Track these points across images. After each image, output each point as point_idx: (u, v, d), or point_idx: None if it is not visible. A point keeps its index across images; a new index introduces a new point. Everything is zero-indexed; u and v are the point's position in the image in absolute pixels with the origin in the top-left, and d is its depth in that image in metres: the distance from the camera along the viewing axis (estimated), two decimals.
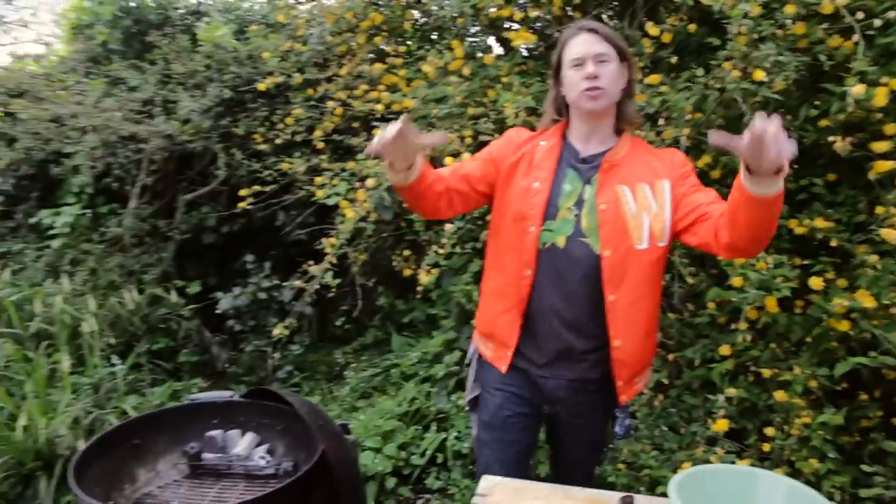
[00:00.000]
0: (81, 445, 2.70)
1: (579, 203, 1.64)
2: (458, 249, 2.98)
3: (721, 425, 2.14)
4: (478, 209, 2.28)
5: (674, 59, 2.52)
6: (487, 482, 1.70)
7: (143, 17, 3.87)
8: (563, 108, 1.74)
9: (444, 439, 3.02)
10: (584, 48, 1.61)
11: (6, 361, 3.07)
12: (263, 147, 3.45)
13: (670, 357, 2.64)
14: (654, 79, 2.40)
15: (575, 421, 1.80)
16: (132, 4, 3.91)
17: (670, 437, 2.68)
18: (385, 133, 1.38)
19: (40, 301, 3.24)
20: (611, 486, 2.64)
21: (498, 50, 3.28)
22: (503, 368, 1.76)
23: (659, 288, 1.70)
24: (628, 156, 1.66)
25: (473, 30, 3.33)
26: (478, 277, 2.89)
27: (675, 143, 2.32)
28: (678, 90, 2.38)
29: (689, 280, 2.46)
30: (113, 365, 3.18)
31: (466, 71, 2.79)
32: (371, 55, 3.29)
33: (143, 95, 3.53)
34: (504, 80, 2.79)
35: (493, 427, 1.82)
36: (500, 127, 2.69)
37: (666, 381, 2.56)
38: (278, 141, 3.24)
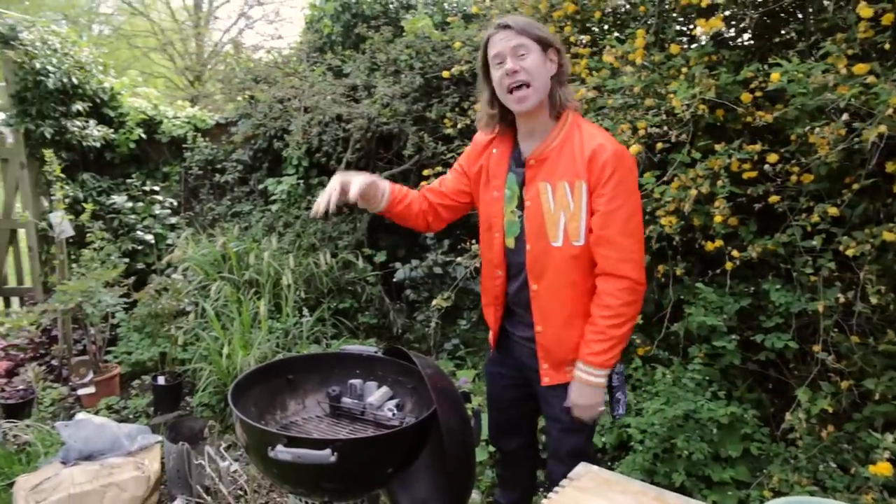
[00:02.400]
0: None
1: (521, 205, 1.80)
2: None
3: (882, 469, 1.88)
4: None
5: (887, 45, 2.20)
6: (581, 468, 1.70)
7: (360, 11, 4.31)
8: (501, 109, 1.81)
9: None
10: (501, 45, 1.69)
11: (224, 301, 3.68)
12: (450, 131, 3.67)
13: (844, 384, 2.34)
14: (860, 68, 2.12)
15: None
16: (353, 0, 4.38)
17: (836, 477, 2.39)
18: (323, 195, 1.75)
19: (254, 254, 3.81)
20: None
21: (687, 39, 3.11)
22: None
23: (584, 281, 1.77)
24: (557, 149, 1.72)
25: (661, 17, 3.19)
26: None
27: (875, 145, 2.04)
28: (890, 80, 2.07)
29: (873, 300, 2.16)
30: (302, 316, 3.65)
31: (655, 59, 2.71)
32: None
33: (351, 81, 3.95)
34: (685, 71, 2.66)
35: None
36: (668, 121, 2.58)
37: (829, 409, 2.28)
38: (459, 126, 3.42)
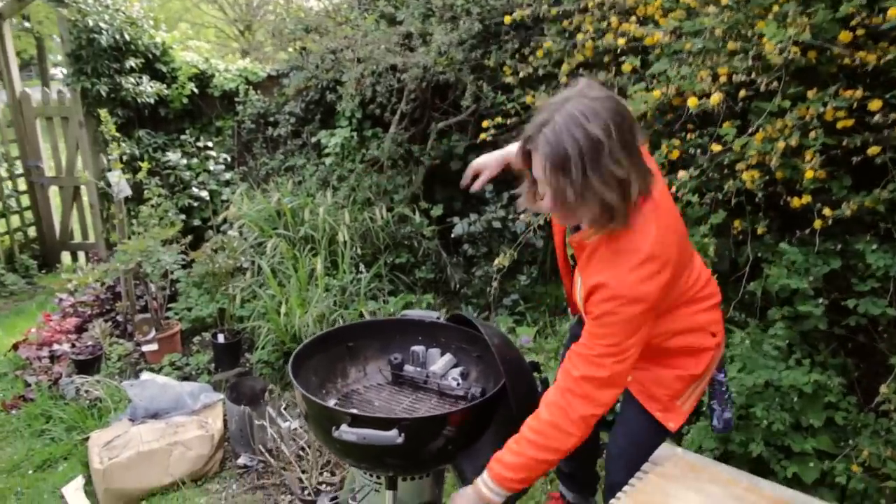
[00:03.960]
0: None
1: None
2: (695, 199, 2.72)
3: None
4: None
5: None
6: (664, 451, 1.59)
7: None
8: None
9: None
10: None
11: (280, 258, 3.65)
12: (510, 80, 3.47)
13: None
14: None
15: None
16: None
17: None
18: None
19: (309, 210, 3.75)
20: (840, 488, 2.29)
21: None
22: None
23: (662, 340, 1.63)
24: (592, 247, 1.50)
25: None
26: (716, 230, 2.64)
27: None
28: None
29: None
30: (359, 272, 3.59)
31: None
32: None
33: (405, 29, 3.76)
34: (775, 9, 2.39)
35: None
36: (759, 66, 2.34)
37: None
38: (521, 74, 3.22)
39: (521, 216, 3.05)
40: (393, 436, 1.49)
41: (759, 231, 2.59)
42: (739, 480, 1.44)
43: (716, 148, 2.50)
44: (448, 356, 2.12)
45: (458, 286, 4.04)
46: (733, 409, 1.79)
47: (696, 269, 1.68)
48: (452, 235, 3.86)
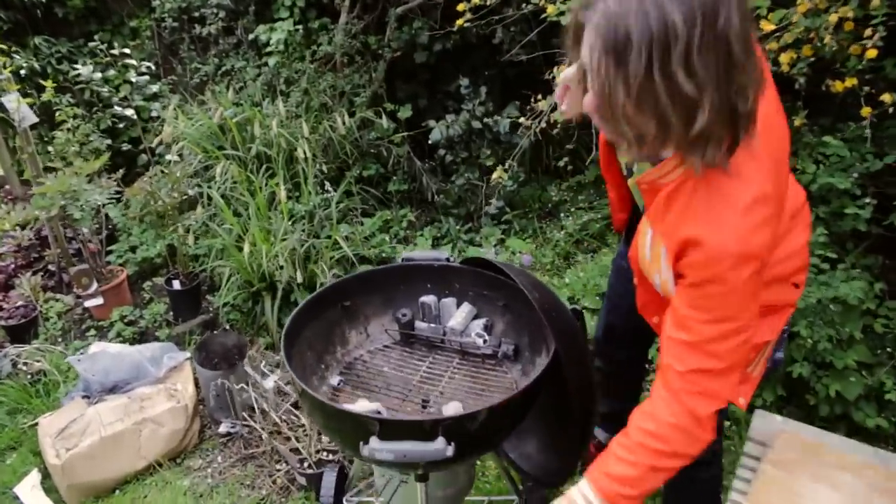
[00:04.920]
0: (299, 276, 2.74)
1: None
2: None
3: None
4: None
5: None
6: (766, 423, 1.30)
7: None
8: None
9: None
10: None
11: (233, 183, 3.15)
12: None
13: None
14: None
15: None
16: None
17: None
18: None
19: (258, 123, 3.21)
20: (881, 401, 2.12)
21: None
22: None
23: None
24: (669, 191, 1.08)
25: None
26: None
27: None
28: None
29: None
30: (326, 192, 3.13)
31: None
32: None
33: None
34: None
35: None
36: None
37: None
38: None
39: (522, 120, 2.59)
40: (441, 449, 1.15)
41: (797, 123, 2.25)
42: (874, 464, 1.16)
43: None
44: (467, 306, 1.77)
45: (433, 196, 3.64)
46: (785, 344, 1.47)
47: (790, 195, 1.29)
48: (430, 142, 3.39)
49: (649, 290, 1.24)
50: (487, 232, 3.46)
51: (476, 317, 1.76)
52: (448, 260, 1.78)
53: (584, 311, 2.37)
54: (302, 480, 2.16)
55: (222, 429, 2.42)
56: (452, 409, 1.38)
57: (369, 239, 3.26)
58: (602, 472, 1.07)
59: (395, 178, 3.67)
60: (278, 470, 2.26)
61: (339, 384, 1.62)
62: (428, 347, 1.76)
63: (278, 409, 2.32)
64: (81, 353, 2.36)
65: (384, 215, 3.45)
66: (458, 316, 1.73)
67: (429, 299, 1.76)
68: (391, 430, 1.20)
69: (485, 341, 1.67)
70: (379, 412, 1.34)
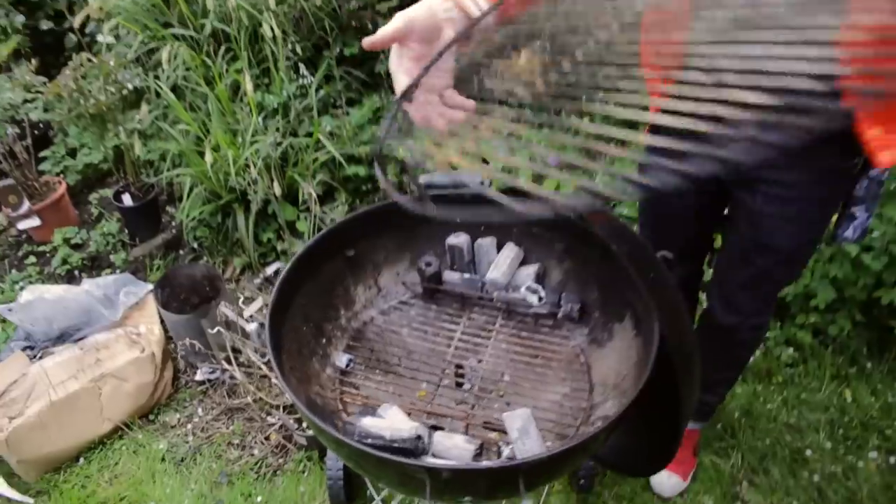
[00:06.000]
0: (276, 188, 2.26)
1: None
2: None
3: None
4: None
5: None
6: None
7: None
8: None
9: None
10: None
11: (185, 70, 2.55)
12: None
13: None
14: None
15: None
16: None
17: None
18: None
19: None
20: None
21: None
22: None
23: None
24: None
25: None
26: None
27: None
28: None
29: None
30: (302, 77, 2.56)
31: None
32: None
33: None
34: None
35: None
36: None
37: None
38: None
39: None
40: None
41: None
42: None
43: None
44: (511, 248, 1.33)
45: None
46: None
47: None
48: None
49: None
50: None
51: (523, 262, 1.33)
52: (483, 183, 1.31)
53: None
54: (302, 440, 1.81)
55: (199, 376, 2.03)
56: (519, 420, 0.97)
57: (358, 133, 2.73)
58: None
59: (382, 55, 3.06)
60: (271, 425, 1.91)
61: (347, 365, 1.21)
62: (460, 303, 1.34)
63: (265, 355, 1.92)
64: (11, 304, 1.89)
65: (373, 103, 2.89)
66: (500, 264, 1.30)
67: (459, 240, 1.32)
68: (443, 480, 0.80)
69: (540, 299, 1.26)
70: (420, 437, 0.94)
